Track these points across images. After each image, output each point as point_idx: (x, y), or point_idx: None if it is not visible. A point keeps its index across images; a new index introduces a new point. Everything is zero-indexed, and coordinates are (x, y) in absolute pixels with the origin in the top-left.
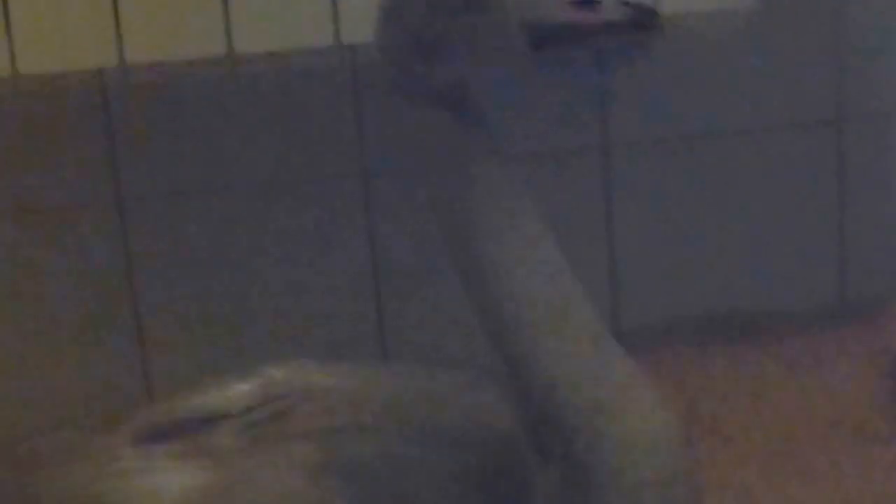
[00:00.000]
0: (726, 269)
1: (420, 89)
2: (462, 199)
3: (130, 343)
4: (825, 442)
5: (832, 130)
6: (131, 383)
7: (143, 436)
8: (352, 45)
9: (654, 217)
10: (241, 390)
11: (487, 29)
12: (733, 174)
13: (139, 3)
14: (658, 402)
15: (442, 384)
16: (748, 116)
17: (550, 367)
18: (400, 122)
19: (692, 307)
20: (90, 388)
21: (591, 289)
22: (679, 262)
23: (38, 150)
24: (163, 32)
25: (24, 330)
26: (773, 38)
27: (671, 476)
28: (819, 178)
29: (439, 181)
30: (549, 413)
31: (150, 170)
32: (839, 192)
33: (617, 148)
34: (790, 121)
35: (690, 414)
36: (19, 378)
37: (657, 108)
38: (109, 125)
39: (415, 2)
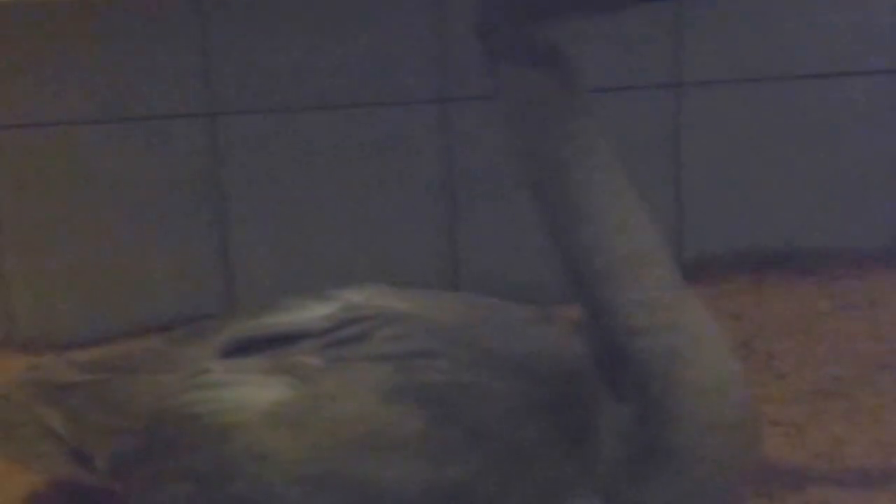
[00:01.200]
0: (787, 206)
1: (519, 47)
2: (557, 154)
3: (215, 242)
4: (873, 383)
5: (892, 77)
6: (214, 282)
7: (230, 349)
8: None
9: (719, 155)
10: (321, 312)
11: None
12: (798, 117)
13: None
14: (727, 350)
15: (512, 316)
16: (816, 63)
17: (631, 316)
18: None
19: (752, 242)
20: (174, 288)
21: (658, 220)
22: (741, 198)
23: (136, 62)
24: None
25: (118, 228)
26: None
27: (737, 420)
28: (880, 125)
29: (535, 136)
30: (627, 357)
31: (242, 85)
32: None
33: (689, 87)
34: (858, 68)
35: (747, 349)
36: (110, 276)
37: (729, 51)
38: (206, 43)
39: None
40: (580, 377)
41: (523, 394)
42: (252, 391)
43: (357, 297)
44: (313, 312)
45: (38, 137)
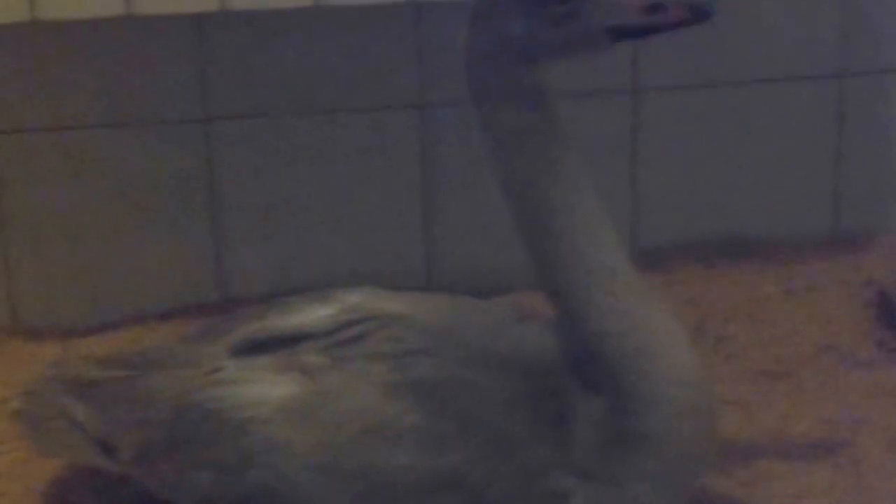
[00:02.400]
0: (733, 200)
1: (507, 88)
2: (538, 179)
3: (208, 238)
4: (815, 364)
5: (835, 83)
6: (206, 276)
7: (240, 348)
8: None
9: (672, 153)
10: (322, 314)
11: (577, 36)
12: (744, 118)
13: None
14: (688, 344)
15: (494, 317)
16: (763, 68)
17: (603, 320)
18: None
19: (702, 233)
20: (171, 280)
21: (616, 213)
22: (691, 192)
23: (140, 75)
24: None
25: (115, 224)
26: (786, 3)
27: (700, 406)
28: (820, 125)
29: (518, 165)
30: (600, 356)
31: (235, 92)
32: (837, 136)
33: (645, 91)
34: (798, 74)
35: (699, 332)
36: (109, 267)
37: (683, 58)
38: (203, 55)
39: (509, 14)
40: (556, 371)
41: (506, 387)
42: (265, 387)
43: (354, 298)
44: (315, 314)
45: (47, 139)
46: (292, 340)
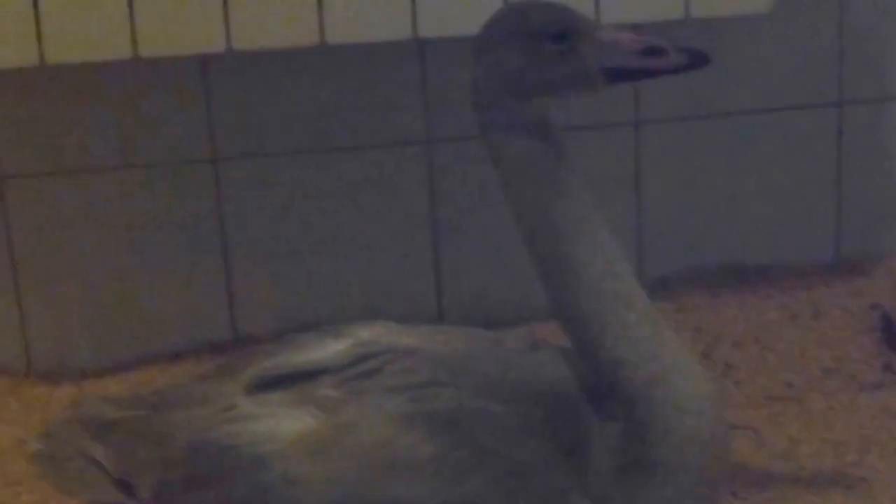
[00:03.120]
0: (737, 228)
1: (511, 120)
2: (548, 210)
3: (219, 277)
4: (821, 387)
5: (834, 111)
6: (218, 315)
7: (254, 385)
8: (425, 38)
9: (676, 183)
10: (335, 348)
11: (572, 75)
12: (746, 148)
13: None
14: (701, 372)
15: (506, 347)
16: (761, 99)
17: (617, 348)
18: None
19: (707, 261)
20: (183, 319)
21: (622, 243)
22: (695, 221)
23: (147, 117)
24: (264, 24)
25: (127, 266)
26: (784, 36)
27: (712, 433)
28: (819, 153)
29: (528, 192)
30: (614, 384)
31: (242, 132)
32: (838, 165)
33: (647, 124)
34: (798, 103)
35: (707, 358)
36: (122, 309)
37: (683, 91)
38: (209, 102)
39: (506, 51)
40: (570, 399)
41: (520, 415)
42: (280, 423)
43: (366, 333)
44: (329, 349)
45: (57, 182)
46: (306, 376)
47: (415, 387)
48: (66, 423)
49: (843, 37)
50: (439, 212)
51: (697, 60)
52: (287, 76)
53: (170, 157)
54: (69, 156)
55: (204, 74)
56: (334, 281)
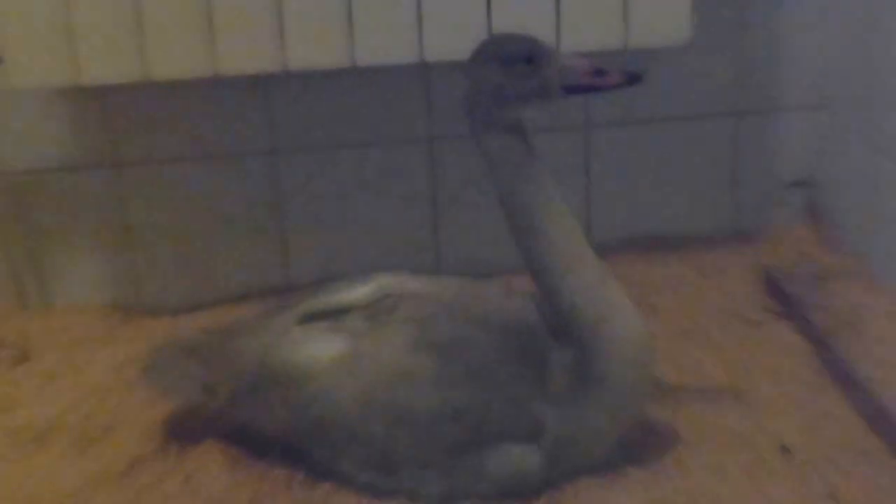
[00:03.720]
0: (661, 207)
1: (492, 124)
2: (519, 189)
3: (277, 241)
4: (720, 324)
5: (733, 119)
6: (275, 266)
7: (303, 318)
8: (429, 63)
9: (615, 172)
10: (363, 291)
11: (540, 90)
12: (668, 146)
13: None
14: (637, 313)
15: (489, 292)
16: (679, 109)
17: (573, 294)
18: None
19: (638, 230)
20: (250, 271)
21: (575, 214)
22: (630, 201)
23: (220, 119)
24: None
25: (208, 234)
26: (697, 62)
27: (642, 356)
28: (722, 151)
29: (503, 177)
30: (570, 322)
31: (296, 131)
32: (735, 161)
33: (594, 127)
34: (706, 112)
35: (638, 303)
36: (206, 265)
37: (621, 101)
38: (269, 104)
39: (491, 71)
40: (536, 331)
41: (498, 342)
42: (322, 346)
43: (385, 280)
44: (358, 292)
45: (156, 170)
46: (341, 311)
47: (420, 320)
48: (167, 345)
49: (741, 61)
50: (438, 193)
51: (633, 79)
52: (325, 89)
53: (238, 150)
54: (162, 149)
55: (264, 85)
56: (361, 244)
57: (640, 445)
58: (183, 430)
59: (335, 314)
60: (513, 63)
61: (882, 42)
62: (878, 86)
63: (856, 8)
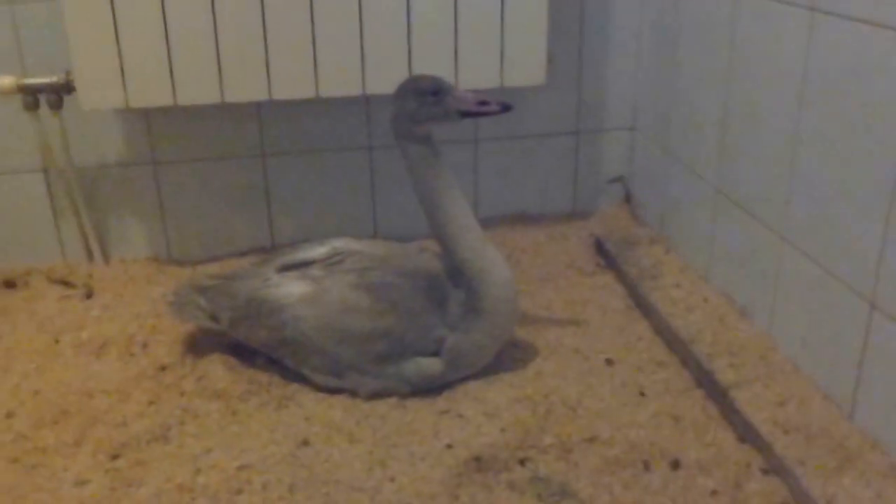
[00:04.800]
0: (525, 193)
1: (410, 136)
2: (429, 181)
3: (265, 216)
4: (564, 275)
5: (573, 135)
6: (263, 233)
7: (279, 267)
8: (370, 95)
9: (493, 171)
10: (321, 250)
11: (442, 113)
12: (530, 152)
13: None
14: (507, 266)
15: (408, 249)
16: (536, 128)
17: (465, 252)
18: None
19: (508, 210)
20: (248, 236)
21: (467, 198)
22: (504, 189)
23: (226, 131)
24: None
25: (218, 211)
26: (549, 95)
27: (512, 297)
28: (567, 156)
29: (418, 173)
30: (462, 270)
31: (279, 140)
32: (576, 162)
33: (481, 140)
34: (557, 131)
35: (510, 258)
36: (217, 230)
37: (494, 123)
38: (262, 119)
39: (408, 98)
40: (439, 278)
41: (413, 285)
42: (292, 288)
43: (337, 242)
44: (317, 250)
45: (188, 166)
46: (306, 264)
47: (360, 270)
48: (185, 286)
49: (578, 96)
50: (376, 184)
51: (506, 107)
52: (300, 112)
53: (238, 152)
54: (192, 151)
55: (258, 108)
56: (321, 219)
57: (511, 358)
58: (196, 345)
59: (302, 265)
60: (424, 95)
61: (675, 82)
62: (672, 112)
63: (659, 57)
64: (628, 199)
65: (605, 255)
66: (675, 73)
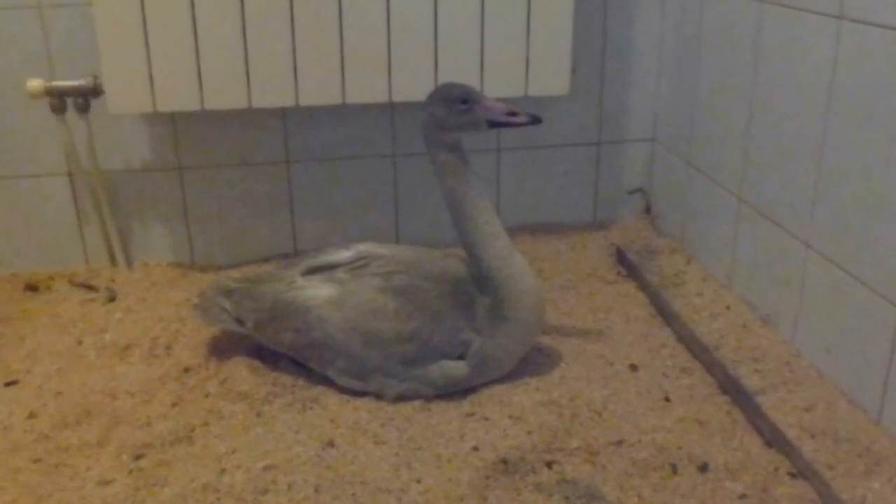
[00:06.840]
0: (546, 204)
1: (440, 143)
2: (458, 188)
3: (288, 221)
4: (587, 282)
5: (594, 146)
6: (287, 239)
7: (304, 270)
8: (396, 102)
9: (517, 180)
10: (346, 254)
11: (471, 122)
12: (551, 163)
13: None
14: (532, 273)
15: (434, 255)
16: (561, 138)
17: (491, 260)
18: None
19: (531, 220)
20: (271, 242)
21: (494, 207)
22: (526, 199)
23: (253, 138)
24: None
25: (242, 216)
26: (572, 106)
27: (537, 303)
28: (588, 167)
29: (447, 180)
30: (489, 278)
31: (303, 147)
32: (596, 173)
33: (504, 150)
34: (578, 141)
35: (534, 266)
36: (241, 236)
37: (519, 134)
38: (287, 128)
39: (437, 107)
40: (465, 283)
41: (439, 289)
42: (318, 290)
43: (362, 247)
44: (342, 254)
45: (209, 172)
46: (331, 267)
47: (385, 273)
48: (210, 289)
49: (600, 107)
50: (400, 190)
51: (535, 119)
52: (323, 118)
53: (263, 159)
54: (213, 158)
55: (283, 115)
56: (346, 224)
57: (535, 363)
58: (220, 348)
59: (327, 269)
60: (454, 102)
61: (697, 93)
62: (692, 125)
63: (680, 68)
64: (648, 209)
65: (626, 264)
66: (696, 83)
